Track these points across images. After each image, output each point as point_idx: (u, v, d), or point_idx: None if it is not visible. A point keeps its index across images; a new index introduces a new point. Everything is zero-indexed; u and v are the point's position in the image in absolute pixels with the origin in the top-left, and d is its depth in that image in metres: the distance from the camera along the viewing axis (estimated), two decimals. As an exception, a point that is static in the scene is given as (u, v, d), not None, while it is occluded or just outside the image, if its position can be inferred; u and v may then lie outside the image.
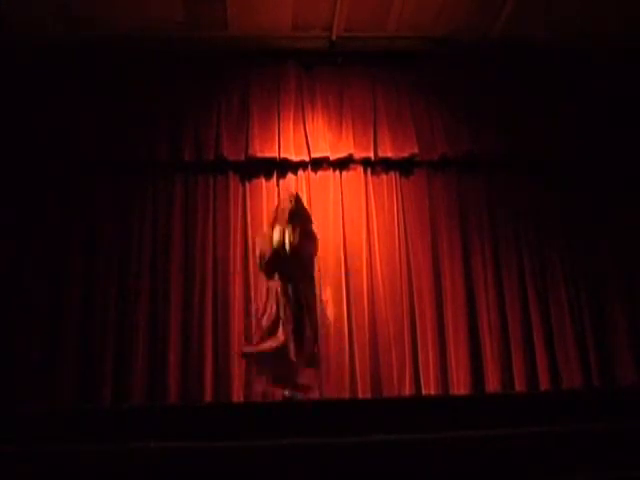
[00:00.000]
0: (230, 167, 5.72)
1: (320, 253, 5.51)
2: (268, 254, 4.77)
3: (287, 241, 4.72)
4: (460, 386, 5.26)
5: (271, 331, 4.66)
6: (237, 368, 5.21)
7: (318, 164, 5.78)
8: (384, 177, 5.84)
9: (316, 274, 5.16)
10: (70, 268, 5.35)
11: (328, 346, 5.30)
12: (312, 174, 5.77)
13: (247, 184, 5.73)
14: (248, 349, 4.82)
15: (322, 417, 3.18)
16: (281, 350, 4.58)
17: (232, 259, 5.50)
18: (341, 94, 5.87)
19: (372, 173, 5.83)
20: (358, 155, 5.75)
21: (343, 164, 5.79)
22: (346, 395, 5.14)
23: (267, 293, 4.78)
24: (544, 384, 5.27)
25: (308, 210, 5.13)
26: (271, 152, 5.65)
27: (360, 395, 5.18)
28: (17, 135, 5.50)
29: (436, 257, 5.65)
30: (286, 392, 4.61)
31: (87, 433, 2.94)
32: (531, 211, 5.80)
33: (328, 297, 5.42)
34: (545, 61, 5.98)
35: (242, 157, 5.64)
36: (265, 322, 4.70)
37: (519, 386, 5.28)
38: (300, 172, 5.76)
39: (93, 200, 5.54)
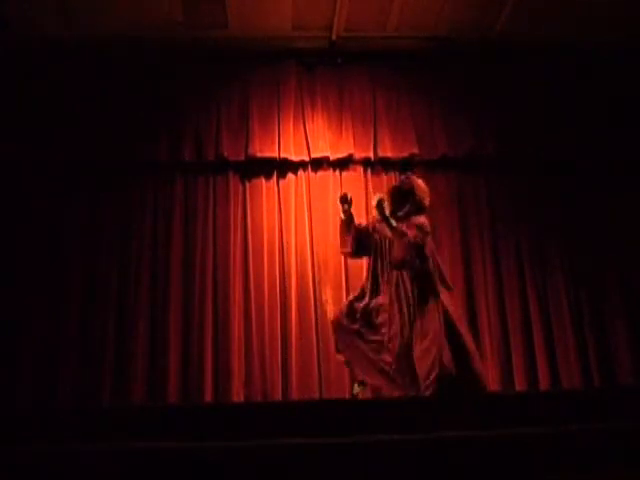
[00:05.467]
0: (230, 167, 5.72)
1: (320, 253, 5.54)
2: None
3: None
4: (460, 386, 5.26)
5: None
6: (237, 368, 5.22)
7: (318, 164, 5.78)
8: (384, 177, 5.83)
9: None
10: (70, 268, 5.35)
11: (328, 346, 5.30)
12: (312, 174, 5.78)
13: (247, 184, 5.73)
14: None
15: (322, 417, 3.17)
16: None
17: (232, 259, 5.50)
18: (341, 94, 5.87)
19: (372, 173, 5.84)
20: (358, 155, 5.76)
21: (343, 164, 5.79)
22: (346, 395, 5.14)
23: None
24: (544, 384, 5.27)
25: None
26: (271, 152, 5.66)
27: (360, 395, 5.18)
28: (16, 135, 5.50)
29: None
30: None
31: (87, 433, 2.94)
32: (531, 211, 5.80)
33: (328, 297, 5.42)
34: (545, 61, 5.98)
35: (242, 157, 5.65)
36: None
37: (519, 386, 5.28)
38: (300, 172, 5.77)
39: (93, 200, 5.55)
